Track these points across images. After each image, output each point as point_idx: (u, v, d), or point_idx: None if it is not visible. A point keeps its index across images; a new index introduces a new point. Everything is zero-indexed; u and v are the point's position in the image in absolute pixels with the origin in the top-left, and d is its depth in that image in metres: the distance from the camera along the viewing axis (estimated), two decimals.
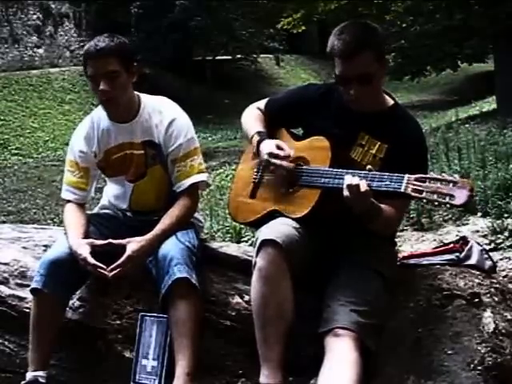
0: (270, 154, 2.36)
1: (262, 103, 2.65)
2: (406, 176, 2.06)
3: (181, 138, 2.57)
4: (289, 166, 2.34)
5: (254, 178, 2.52)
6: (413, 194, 2.02)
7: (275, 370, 2.14)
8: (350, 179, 2.11)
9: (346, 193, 2.10)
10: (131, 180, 2.66)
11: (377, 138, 2.32)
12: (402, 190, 2.05)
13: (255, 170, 2.52)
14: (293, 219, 2.29)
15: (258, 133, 2.49)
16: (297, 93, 2.62)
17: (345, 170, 2.21)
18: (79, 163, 2.66)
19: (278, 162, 2.34)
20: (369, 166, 2.16)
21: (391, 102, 2.43)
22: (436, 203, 1.99)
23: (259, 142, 2.44)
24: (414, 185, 2.03)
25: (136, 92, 2.63)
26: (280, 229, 2.22)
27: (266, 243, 2.16)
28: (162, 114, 2.60)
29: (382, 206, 2.19)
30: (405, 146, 2.27)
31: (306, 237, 2.26)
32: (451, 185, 1.97)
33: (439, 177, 2.01)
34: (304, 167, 2.37)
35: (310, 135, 2.43)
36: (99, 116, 2.65)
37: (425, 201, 2.02)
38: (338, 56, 2.26)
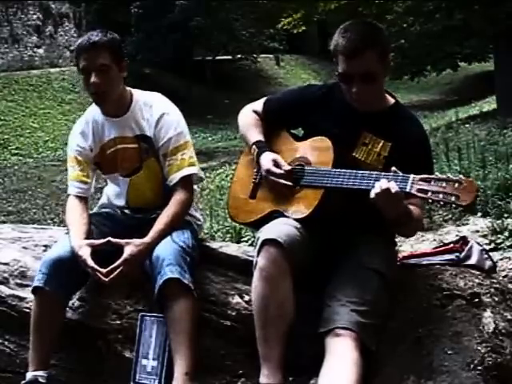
0: (268, 172, 2.38)
1: (259, 104, 2.62)
2: (411, 176, 2.06)
3: (170, 132, 2.59)
4: (287, 183, 2.35)
5: (254, 179, 2.51)
6: (418, 194, 2.02)
7: (275, 369, 2.14)
8: (378, 185, 2.07)
9: (378, 201, 2.07)
10: (126, 174, 2.67)
11: (380, 136, 2.32)
12: (408, 190, 2.04)
13: (255, 170, 2.52)
14: (294, 219, 2.29)
15: (257, 142, 2.50)
16: (297, 93, 2.61)
17: (348, 171, 2.21)
18: (77, 157, 2.69)
19: (276, 179, 2.37)
20: (393, 168, 2.11)
21: (392, 101, 2.43)
22: (441, 203, 1.99)
23: (258, 154, 2.46)
24: (419, 185, 2.03)
25: (128, 88, 2.66)
26: (281, 229, 2.22)
27: (268, 243, 2.16)
28: (152, 108, 2.63)
29: (411, 207, 2.18)
30: (408, 144, 2.27)
31: (307, 237, 2.25)
32: (456, 185, 1.97)
33: (444, 177, 2.01)
34: (306, 167, 2.36)
35: (311, 135, 2.43)
36: (93, 112, 2.69)
37: (430, 201, 2.02)
38: (342, 54, 2.25)
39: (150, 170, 2.65)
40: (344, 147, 2.31)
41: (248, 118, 2.62)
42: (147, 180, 2.66)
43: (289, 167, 2.38)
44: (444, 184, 1.99)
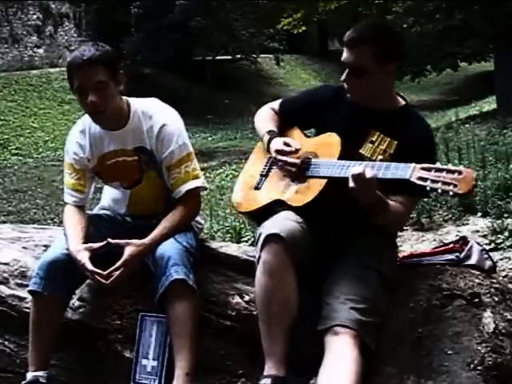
0: (278, 151, 2.41)
1: (276, 104, 2.69)
2: (412, 165, 2.08)
3: (172, 145, 2.53)
4: (295, 162, 2.38)
5: (262, 171, 2.55)
6: (418, 181, 2.04)
7: (279, 363, 2.14)
8: (355, 169, 2.13)
9: (351, 183, 2.12)
10: (127, 186, 2.65)
11: (387, 134, 2.35)
12: (407, 177, 2.06)
13: (264, 164, 2.56)
14: (296, 208, 2.30)
15: (269, 132, 2.53)
16: (310, 93, 2.68)
17: (352, 161, 2.22)
18: (74, 165, 2.64)
19: (284, 158, 2.39)
20: (380, 157, 2.19)
21: (403, 102, 2.47)
22: (440, 191, 2.00)
23: (269, 141, 2.49)
24: (419, 173, 2.05)
25: (125, 97, 2.58)
26: (283, 223, 2.23)
27: (270, 237, 2.17)
28: (152, 119, 2.55)
29: (390, 201, 2.21)
30: (414, 143, 2.29)
31: (309, 233, 2.26)
32: (456, 174, 1.99)
33: (444, 167, 2.03)
34: (312, 160, 2.39)
35: (321, 133, 2.47)
36: (90, 122, 2.60)
37: (428, 188, 2.03)
38: (344, 42, 2.36)
39: (151, 181, 2.61)
40: (352, 144, 2.34)
41: (265, 114, 2.68)
42: (148, 191, 2.64)
43: (299, 144, 2.40)
44: (444, 173, 2.01)
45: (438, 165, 2.04)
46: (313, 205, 2.29)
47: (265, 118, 2.64)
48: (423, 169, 2.05)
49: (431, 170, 2.03)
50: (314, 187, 2.31)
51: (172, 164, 2.54)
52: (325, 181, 2.29)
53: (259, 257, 2.20)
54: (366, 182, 2.09)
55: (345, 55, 2.34)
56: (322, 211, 2.29)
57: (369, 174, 2.09)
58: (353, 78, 2.33)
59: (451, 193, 1.98)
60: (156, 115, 2.56)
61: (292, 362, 2.19)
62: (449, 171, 2.00)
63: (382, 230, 2.31)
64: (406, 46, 2.55)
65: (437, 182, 2.00)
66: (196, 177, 2.58)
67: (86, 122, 2.63)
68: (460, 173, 1.98)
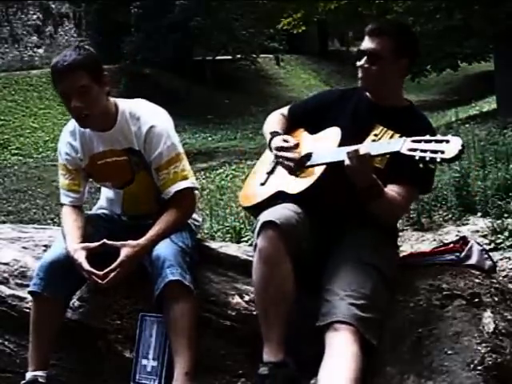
0: (277, 148, 2.48)
1: (285, 109, 2.76)
2: (403, 138, 2.14)
3: (160, 146, 2.52)
4: (294, 157, 2.43)
5: (268, 170, 2.59)
6: (407, 153, 2.09)
7: (276, 348, 2.16)
8: (350, 147, 2.21)
9: (347, 161, 2.18)
10: (119, 187, 2.65)
11: (391, 129, 2.42)
12: (398, 150, 2.11)
13: (269, 163, 2.61)
14: (295, 197, 2.33)
15: (272, 133, 2.59)
16: (318, 98, 2.74)
17: (349, 146, 2.25)
18: (67, 165, 2.65)
19: (283, 153, 2.45)
20: (373, 137, 2.26)
21: (408, 103, 2.57)
22: (427, 159, 2.04)
23: (271, 140, 2.55)
24: (409, 145, 2.11)
25: (112, 98, 2.57)
26: (280, 212, 2.26)
27: (266, 225, 2.20)
28: (140, 120, 2.54)
29: (386, 189, 2.26)
30: (414, 134, 2.31)
31: (308, 225, 2.28)
32: (444, 143, 2.04)
33: (433, 138, 2.09)
34: (313, 152, 2.44)
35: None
36: None
37: (417, 158, 2.07)
38: (365, 32, 2.47)
39: (142, 181, 2.61)
40: (355, 137, 2.37)
41: (273, 118, 2.75)
42: (140, 191, 2.63)
43: (297, 141, 2.48)
44: (433, 143, 2.06)
45: (427, 137, 2.09)
46: (312, 193, 2.32)
47: (272, 123, 2.71)
48: (413, 141, 2.11)
49: (421, 141, 2.09)
50: (313, 174, 2.36)
51: (161, 165, 2.54)
52: (323, 167, 2.34)
53: (255, 244, 2.23)
54: (361, 160, 2.16)
55: (364, 43, 2.45)
56: (322, 203, 2.32)
57: (363, 150, 2.17)
58: (368, 64, 2.43)
59: (438, 159, 2.01)
60: (144, 116, 2.55)
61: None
62: (437, 141, 2.05)
63: (382, 227, 2.33)
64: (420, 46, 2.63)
65: (425, 151, 2.05)
66: (185, 177, 2.56)
67: (75, 122, 2.61)
68: (447, 141, 2.03)
